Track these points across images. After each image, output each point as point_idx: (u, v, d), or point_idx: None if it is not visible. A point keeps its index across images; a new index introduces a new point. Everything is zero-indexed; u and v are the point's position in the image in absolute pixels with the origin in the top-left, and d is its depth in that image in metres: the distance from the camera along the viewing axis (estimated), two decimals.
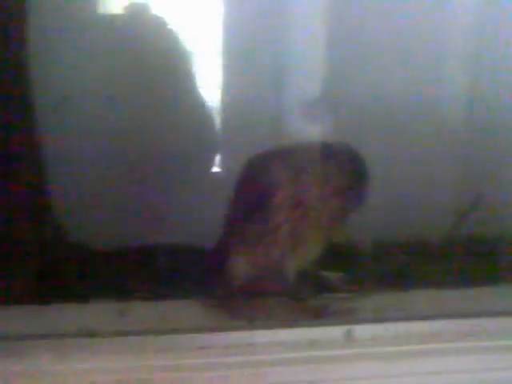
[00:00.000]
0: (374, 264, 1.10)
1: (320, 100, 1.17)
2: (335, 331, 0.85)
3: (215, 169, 1.27)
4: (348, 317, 0.90)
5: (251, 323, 0.87)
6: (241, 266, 0.91)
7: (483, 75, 1.26)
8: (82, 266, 1.02)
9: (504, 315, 0.91)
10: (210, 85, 1.25)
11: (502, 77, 1.26)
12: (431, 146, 1.25)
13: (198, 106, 1.25)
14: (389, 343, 0.85)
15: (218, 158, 1.27)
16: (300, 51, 1.20)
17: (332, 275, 1.04)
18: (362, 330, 0.85)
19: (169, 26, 1.21)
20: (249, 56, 1.21)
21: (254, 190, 0.90)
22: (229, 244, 0.93)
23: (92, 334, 0.82)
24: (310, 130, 1.14)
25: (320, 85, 1.18)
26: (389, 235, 1.18)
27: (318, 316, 0.89)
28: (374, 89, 1.22)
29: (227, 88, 1.24)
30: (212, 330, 0.85)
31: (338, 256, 1.05)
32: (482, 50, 1.24)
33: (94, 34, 1.16)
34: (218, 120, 1.26)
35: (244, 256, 0.91)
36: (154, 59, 1.19)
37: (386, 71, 1.22)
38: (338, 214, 0.90)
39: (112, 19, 1.21)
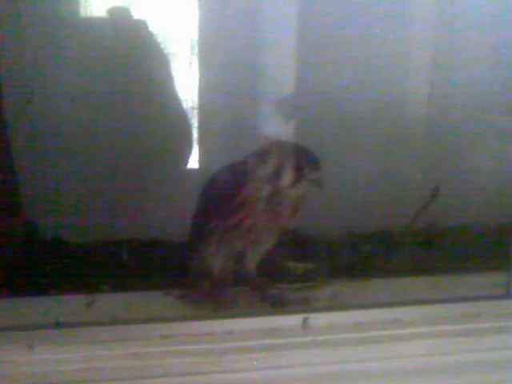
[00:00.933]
0: (339, 254, 1.14)
1: (290, 99, 1.20)
2: (292, 320, 0.89)
3: (189, 166, 1.30)
4: (305, 306, 0.94)
5: (213, 313, 0.91)
6: (205, 259, 0.95)
7: (441, 77, 1.30)
8: (52, 260, 1.05)
9: (459, 301, 0.96)
10: (187, 85, 1.28)
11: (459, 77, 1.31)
12: (394, 144, 1.29)
13: (176, 105, 1.28)
14: (343, 330, 0.89)
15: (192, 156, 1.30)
16: (272, 55, 1.24)
17: (297, 266, 1.08)
18: (317, 318, 0.89)
19: (149, 29, 1.23)
20: (225, 57, 1.24)
21: (217, 192, 0.93)
22: (195, 240, 0.96)
23: (59, 325, 0.85)
24: (282, 128, 1.18)
25: (291, 86, 1.22)
26: (354, 227, 1.23)
27: (277, 305, 0.94)
28: (341, 90, 1.26)
29: (204, 88, 1.27)
30: (175, 319, 0.89)
31: (304, 247, 1.09)
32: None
33: (76, 36, 1.18)
34: (194, 119, 1.29)
35: (208, 250, 0.95)
36: (134, 60, 1.21)
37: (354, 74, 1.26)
38: (292, 205, 0.94)
39: (94, 21, 1.23)
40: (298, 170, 0.91)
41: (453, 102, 1.31)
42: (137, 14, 1.23)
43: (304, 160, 0.92)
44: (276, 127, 1.18)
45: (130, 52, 1.20)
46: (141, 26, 1.23)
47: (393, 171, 1.30)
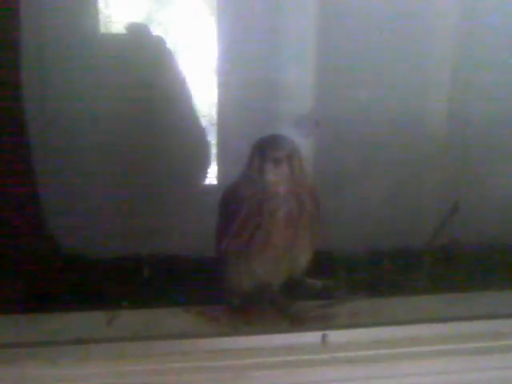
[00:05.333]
0: (358, 271, 1.14)
1: (310, 116, 1.21)
2: (312, 336, 0.89)
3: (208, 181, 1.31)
4: (324, 323, 0.94)
5: (233, 330, 0.92)
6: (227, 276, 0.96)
7: (458, 88, 1.31)
8: (72, 276, 1.06)
9: (478, 319, 0.95)
10: (205, 100, 1.29)
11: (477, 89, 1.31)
12: (411, 160, 1.30)
13: (193, 120, 1.29)
14: (362, 348, 0.89)
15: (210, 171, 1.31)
16: (292, 70, 1.24)
17: (316, 282, 1.08)
18: (336, 335, 0.90)
19: (167, 45, 1.25)
20: (243, 73, 1.25)
21: (235, 208, 0.92)
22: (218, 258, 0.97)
23: (81, 341, 0.87)
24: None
25: (310, 102, 1.23)
26: (373, 244, 1.23)
27: (296, 322, 0.94)
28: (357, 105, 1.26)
29: (222, 103, 1.28)
30: (195, 336, 0.90)
31: (323, 263, 1.09)
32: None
33: (94, 53, 1.20)
34: (212, 134, 1.30)
35: (230, 268, 0.95)
36: (152, 76, 1.23)
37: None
38: (313, 220, 0.93)
39: (112, 38, 1.25)
40: (264, 156, 0.90)
41: (473, 117, 1.30)
42: (157, 31, 1.25)
43: (264, 145, 0.92)
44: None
45: (150, 69, 1.22)
46: (161, 43, 1.25)
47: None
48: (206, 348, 0.87)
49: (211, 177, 1.30)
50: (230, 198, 0.94)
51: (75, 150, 1.18)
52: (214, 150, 1.31)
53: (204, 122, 1.30)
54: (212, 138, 1.30)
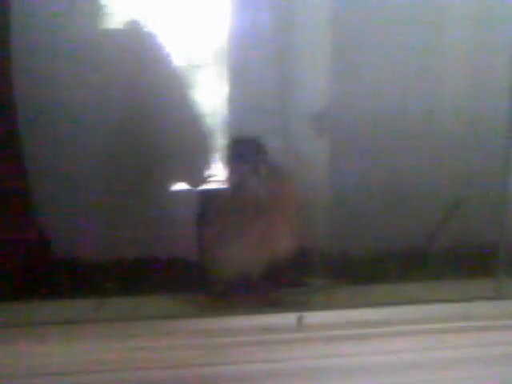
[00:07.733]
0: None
1: (324, 114, 1.24)
2: (289, 317, 0.94)
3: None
4: (300, 305, 0.99)
5: (213, 311, 0.98)
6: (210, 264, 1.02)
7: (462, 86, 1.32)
8: (65, 267, 1.12)
9: (449, 302, 1.01)
10: (213, 99, 1.28)
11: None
12: (415, 159, 1.30)
13: (193, 119, 1.27)
14: (336, 328, 0.94)
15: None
16: (305, 66, 1.24)
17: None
18: (312, 317, 0.95)
19: (165, 43, 1.23)
20: (253, 70, 1.25)
21: (216, 195, 1.00)
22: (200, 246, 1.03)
23: (70, 322, 0.93)
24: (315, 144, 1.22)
25: (324, 100, 1.24)
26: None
27: (275, 305, 1.00)
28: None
29: (232, 102, 1.27)
30: (178, 317, 0.95)
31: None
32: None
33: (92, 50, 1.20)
34: (220, 134, 1.28)
35: (212, 255, 1.01)
36: (149, 75, 1.23)
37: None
38: (291, 214, 0.99)
39: (110, 35, 1.23)
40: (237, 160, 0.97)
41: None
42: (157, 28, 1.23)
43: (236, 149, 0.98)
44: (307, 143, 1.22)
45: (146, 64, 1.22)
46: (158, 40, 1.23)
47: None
48: (188, 328, 0.92)
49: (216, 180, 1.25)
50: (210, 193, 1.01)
51: (66, 149, 1.20)
52: (218, 151, 1.24)
53: (207, 122, 1.28)
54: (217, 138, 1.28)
